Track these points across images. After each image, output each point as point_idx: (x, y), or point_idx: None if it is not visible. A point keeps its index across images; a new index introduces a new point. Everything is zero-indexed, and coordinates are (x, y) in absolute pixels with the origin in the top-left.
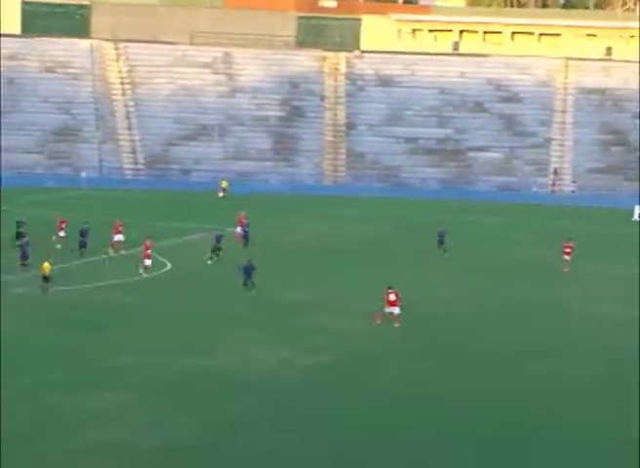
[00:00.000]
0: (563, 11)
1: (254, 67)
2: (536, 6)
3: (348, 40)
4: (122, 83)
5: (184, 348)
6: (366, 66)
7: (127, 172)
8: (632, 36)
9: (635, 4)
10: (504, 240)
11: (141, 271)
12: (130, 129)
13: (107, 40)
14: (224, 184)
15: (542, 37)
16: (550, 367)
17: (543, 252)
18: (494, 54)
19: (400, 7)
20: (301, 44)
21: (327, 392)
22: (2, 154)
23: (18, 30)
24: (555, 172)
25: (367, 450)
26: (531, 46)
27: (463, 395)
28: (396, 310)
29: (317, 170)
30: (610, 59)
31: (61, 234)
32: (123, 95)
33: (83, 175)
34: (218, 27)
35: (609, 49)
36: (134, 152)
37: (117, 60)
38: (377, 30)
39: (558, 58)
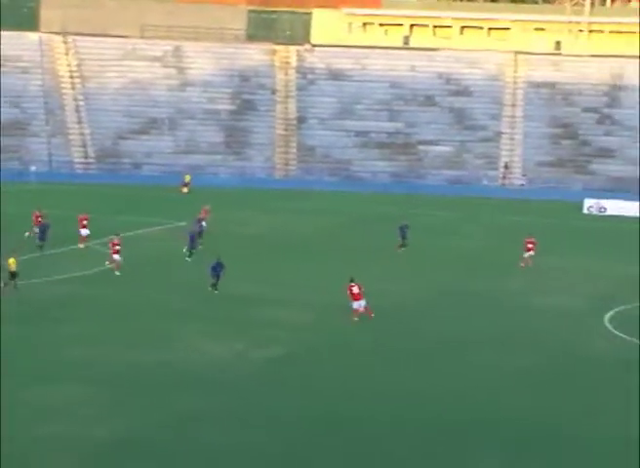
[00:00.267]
0: (512, 5)
1: (204, 61)
2: (485, 0)
3: (299, 34)
4: (72, 77)
5: (137, 341)
6: (317, 60)
7: (77, 166)
8: (581, 30)
9: None
10: (455, 233)
11: (109, 266)
12: (80, 123)
13: (56, 33)
14: (188, 178)
15: (492, 31)
16: (490, 356)
17: (494, 244)
18: (444, 48)
19: (351, 0)
20: (252, 37)
21: (279, 385)
22: None
23: None
24: (506, 166)
25: (317, 443)
26: (480, 40)
27: (405, 385)
28: (362, 303)
29: (268, 163)
30: (559, 54)
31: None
32: (73, 88)
33: (33, 168)
34: (168, 21)
35: (558, 43)
36: (84, 146)
37: (66, 54)
38: (327, 24)
39: (507, 53)
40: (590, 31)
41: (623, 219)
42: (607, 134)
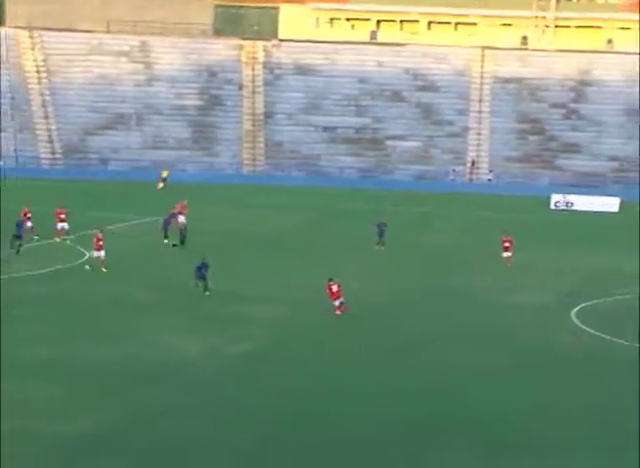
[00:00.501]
0: (479, 0)
1: (171, 56)
2: None
3: (266, 29)
4: (38, 72)
5: (108, 337)
6: (284, 55)
7: (44, 161)
8: (547, 26)
9: None
10: (424, 229)
11: (91, 264)
12: (46, 118)
13: (22, 28)
14: (165, 174)
15: (459, 26)
16: (461, 353)
17: (463, 240)
18: (411, 43)
19: None
20: (219, 32)
21: (253, 381)
22: None
23: None
24: (473, 163)
25: (291, 440)
26: (447, 35)
27: (380, 382)
28: (341, 300)
29: (236, 159)
30: (526, 49)
31: (29, 224)
32: (39, 83)
33: (0, 163)
34: (134, 16)
35: (524, 38)
36: (51, 141)
37: (32, 49)
38: (295, 19)
39: (474, 48)
40: (557, 26)
41: (590, 214)
42: (574, 129)
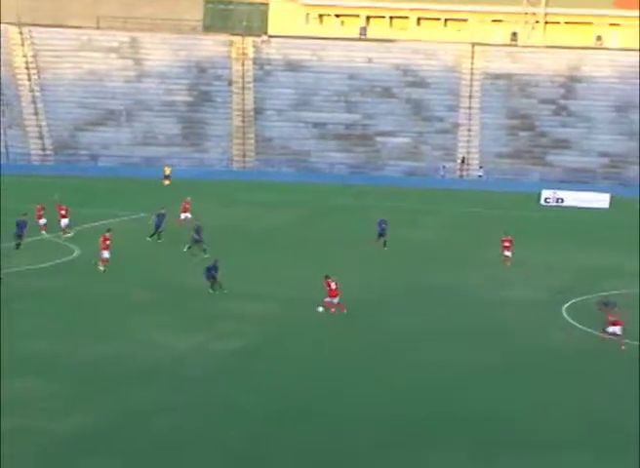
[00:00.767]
0: None
1: (161, 52)
2: None
3: (256, 25)
4: (27, 68)
5: (98, 335)
6: (273, 51)
7: (34, 157)
8: (537, 22)
9: None
10: (415, 225)
11: (100, 264)
12: (36, 114)
13: (12, 24)
14: (168, 171)
15: (449, 22)
16: (452, 350)
17: (453, 236)
18: (400, 39)
19: None
20: (209, 29)
21: (244, 378)
22: None
23: None
24: (463, 160)
25: (281, 437)
26: (437, 31)
27: (370, 380)
28: (336, 299)
29: (226, 155)
30: (515, 45)
31: (42, 222)
32: (29, 79)
33: None
34: (124, 12)
35: (514, 34)
36: (41, 138)
37: (22, 45)
38: (284, 15)
39: (464, 44)
40: (546, 22)
41: (581, 210)
42: (563, 125)
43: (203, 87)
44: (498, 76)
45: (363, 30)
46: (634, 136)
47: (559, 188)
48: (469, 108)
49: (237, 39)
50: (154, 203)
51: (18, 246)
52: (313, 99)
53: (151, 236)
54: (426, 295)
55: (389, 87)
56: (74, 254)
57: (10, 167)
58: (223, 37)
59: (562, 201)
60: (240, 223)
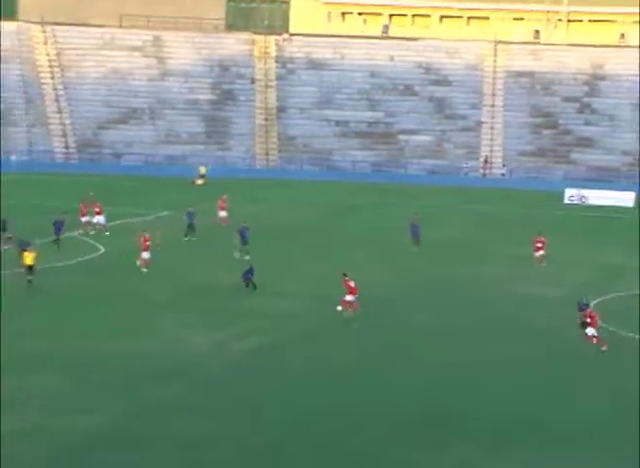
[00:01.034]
0: None
1: (184, 51)
2: None
3: (278, 23)
4: (51, 66)
5: (118, 332)
6: (296, 49)
7: (57, 155)
8: (560, 19)
9: None
10: (438, 223)
11: (140, 264)
12: (60, 112)
13: (35, 22)
14: (203, 170)
15: (471, 21)
16: (475, 347)
17: (475, 235)
18: (423, 37)
19: None
20: (231, 27)
21: (263, 376)
22: None
23: None
24: (486, 160)
25: (300, 435)
26: (459, 29)
27: (391, 376)
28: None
29: (249, 153)
30: (538, 43)
31: (84, 219)
32: (52, 78)
33: (13, 158)
34: (147, 10)
35: (537, 32)
36: (64, 136)
37: (45, 43)
38: (306, 13)
39: (487, 42)
40: (569, 20)
41: (604, 209)
42: (587, 123)
43: (226, 85)
44: (520, 74)
45: (385, 28)
46: None
47: (583, 187)
48: (492, 106)
49: (259, 38)
50: (179, 201)
51: (56, 243)
52: (336, 98)
53: (186, 235)
54: (447, 292)
55: (412, 85)
56: (100, 252)
57: (33, 164)
58: (246, 36)
59: (586, 199)
60: (262, 221)
